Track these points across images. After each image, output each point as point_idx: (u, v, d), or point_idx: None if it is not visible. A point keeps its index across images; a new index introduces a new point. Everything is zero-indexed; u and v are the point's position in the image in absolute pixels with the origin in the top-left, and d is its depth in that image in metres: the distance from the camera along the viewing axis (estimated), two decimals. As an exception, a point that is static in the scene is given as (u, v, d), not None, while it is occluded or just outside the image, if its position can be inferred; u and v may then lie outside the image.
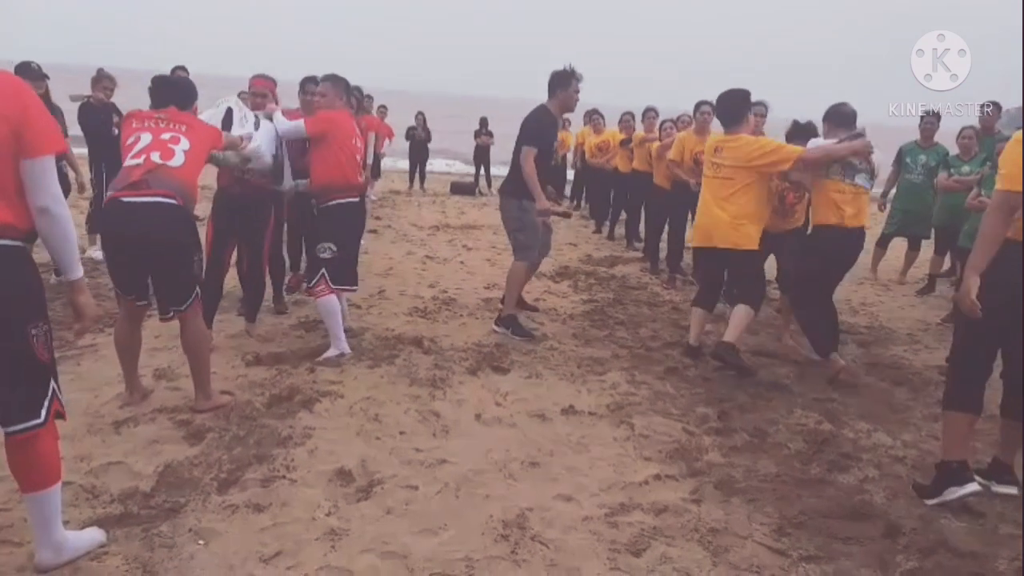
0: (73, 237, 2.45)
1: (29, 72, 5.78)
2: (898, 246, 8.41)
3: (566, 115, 6.58)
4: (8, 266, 2.29)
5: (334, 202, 4.78)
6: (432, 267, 7.80)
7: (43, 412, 2.41)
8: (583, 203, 13.29)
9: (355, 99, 5.54)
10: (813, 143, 4.84)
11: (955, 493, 3.20)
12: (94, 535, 2.68)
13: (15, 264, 2.32)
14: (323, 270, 4.74)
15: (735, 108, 4.94)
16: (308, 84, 5.59)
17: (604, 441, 3.76)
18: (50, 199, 2.34)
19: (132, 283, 3.76)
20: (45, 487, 2.47)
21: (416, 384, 4.39)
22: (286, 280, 6.16)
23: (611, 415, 4.10)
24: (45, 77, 6.06)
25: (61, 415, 2.50)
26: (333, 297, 4.75)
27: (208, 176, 4.78)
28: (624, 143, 9.89)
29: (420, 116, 15.44)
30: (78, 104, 6.76)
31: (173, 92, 4.00)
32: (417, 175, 15.61)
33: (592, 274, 7.79)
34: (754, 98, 5.21)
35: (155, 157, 3.64)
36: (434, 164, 18.63)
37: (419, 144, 15.36)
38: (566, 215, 6.72)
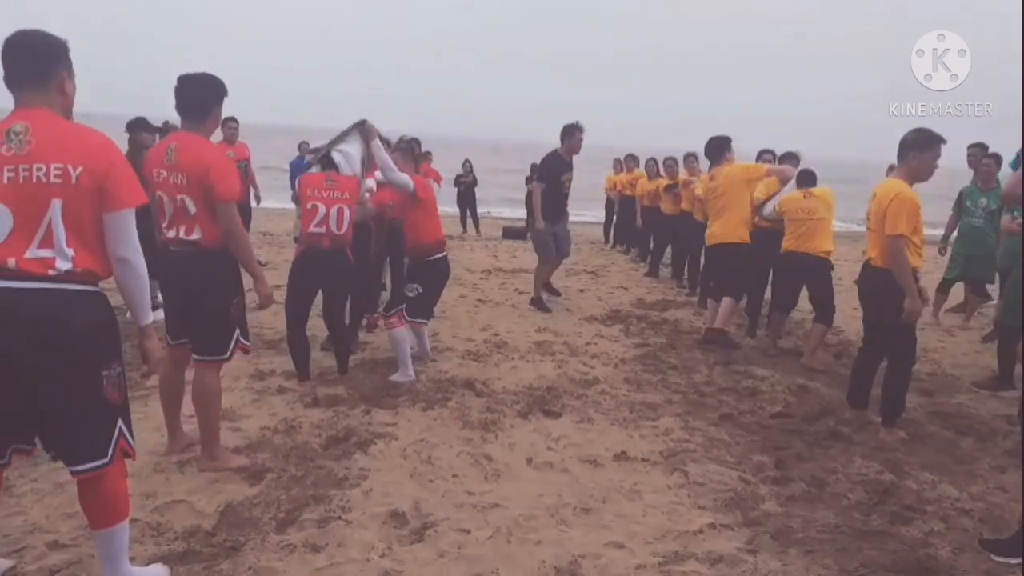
0: (147, 286, 2.58)
1: (146, 126, 6.23)
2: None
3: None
4: (87, 310, 2.42)
5: (430, 258, 5.49)
6: (484, 310, 7.88)
7: (109, 452, 2.49)
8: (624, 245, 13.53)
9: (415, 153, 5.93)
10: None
11: None
12: (159, 572, 2.77)
13: (93, 308, 2.45)
14: (403, 305, 5.44)
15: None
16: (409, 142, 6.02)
17: (657, 488, 3.73)
18: (129, 250, 2.48)
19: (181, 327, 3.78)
20: (113, 524, 2.56)
21: (468, 427, 4.43)
22: (365, 320, 6.48)
23: (664, 462, 4.06)
24: (157, 131, 6.44)
25: (129, 454, 2.58)
26: (404, 331, 5.38)
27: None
28: (669, 188, 10.05)
29: (467, 163, 15.86)
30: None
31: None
32: (470, 220, 15.88)
33: (644, 318, 7.76)
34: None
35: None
36: (484, 209, 18.88)
37: (468, 190, 15.68)
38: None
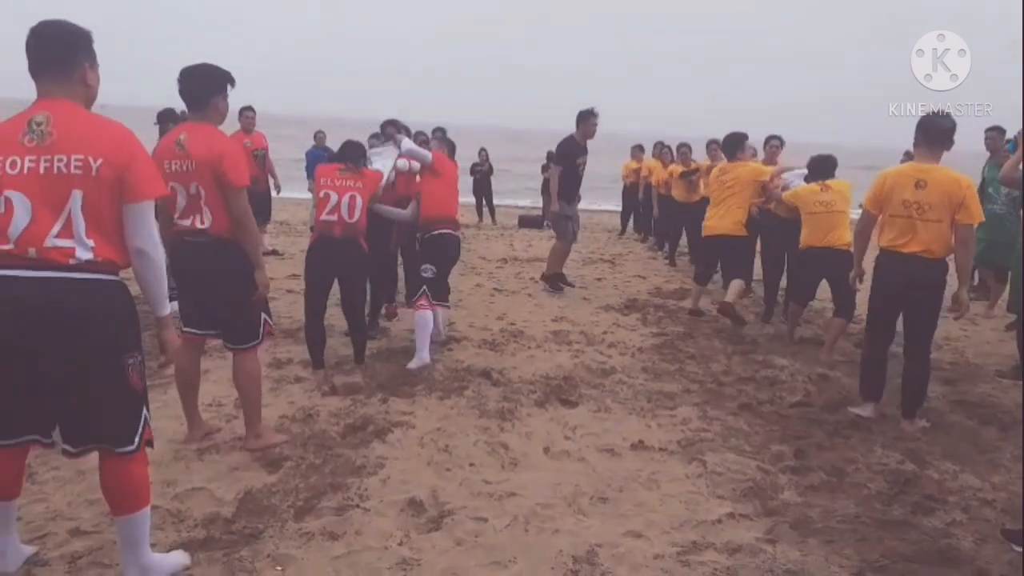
0: (164, 276, 2.60)
1: (174, 117, 6.26)
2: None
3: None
4: (109, 299, 2.45)
5: (437, 232, 5.55)
6: (500, 300, 7.88)
7: (136, 439, 2.53)
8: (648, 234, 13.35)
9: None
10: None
11: None
12: (179, 558, 2.79)
13: (115, 298, 2.48)
14: (424, 287, 5.49)
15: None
16: (388, 128, 6.39)
17: (675, 477, 3.72)
18: (147, 241, 2.50)
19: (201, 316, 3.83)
20: (135, 511, 2.59)
21: (485, 416, 4.44)
22: (385, 308, 6.57)
23: (682, 451, 4.05)
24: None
25: (150, 443, 2.62)
26: (429, 313, 5.46)
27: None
28: (685, 175, 9.92)
29: (483, 152, 15.87)
30: None
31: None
32: (487, 209, 15.87)
33: (662, 307, 7.73)
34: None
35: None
36: (500, 198, 18.86)
37: (483, 178, 15.67)
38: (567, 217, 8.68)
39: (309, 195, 10.19)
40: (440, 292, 5.75)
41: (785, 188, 6.66)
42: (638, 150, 13.63)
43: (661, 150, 11.78)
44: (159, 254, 2.55)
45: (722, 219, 6.75)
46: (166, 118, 6.50)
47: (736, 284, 6.74)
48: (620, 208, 15.39)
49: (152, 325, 2.75)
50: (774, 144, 7.75)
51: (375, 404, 4.55)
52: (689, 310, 7.32)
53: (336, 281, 5.07)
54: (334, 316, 5.78)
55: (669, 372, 5.49)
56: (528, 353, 5.86)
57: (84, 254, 2.37)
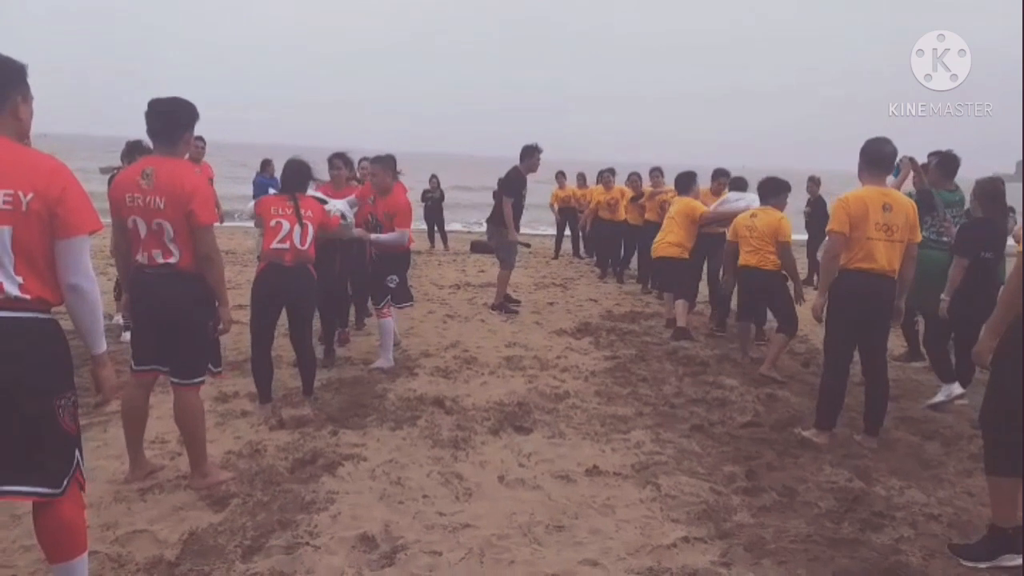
0: (99, 313, 2.51)
1: (143, 149, 6.06)
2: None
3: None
4: (38, 339, 2.37)
5: (398, 252, 6.12)
6: (453, 326, 7.85)
7: (64, 482, 2.43)
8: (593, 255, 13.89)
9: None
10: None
11: (1013, 560, 3.10)
12: (119, 606, 2.68)
13: (45, 337, 2.39)
14: (389, 296, 6.05)
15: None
16: (336, 160, 6.53)
17: (630, 502, 3.72)
18: (82, 277, 2.42)
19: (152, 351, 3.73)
20: (71, 557, 2.48)
21: (439, 446, 4.39)
22: (338, 334, 6.61)
23: (636, 475, 4.05)
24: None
25: (82, 486, 2.52)
26: (392, 319, 6.12)
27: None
28: (634, 199, 10.49)
29: (434, 179, 15.87)
30: (108, 176, 6.95)
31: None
32: (438, 235, 15.86)
33: (613, 330, 7.78)
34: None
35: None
36: (452, 224, 18.89)
37: (435, 205, 15.68)
38: (526, 245, 11.23)
39: (253, 224, 10.03)
40: (404, 296, 6.25)
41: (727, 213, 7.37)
42: (561, 176, 14.82)
43: (604, 176, 12.36)
44: (94, 290, 2.46)
45: (665, 243, 7.77)
46: (135, 150, 6.25)
47: (680, 304, 7.56)
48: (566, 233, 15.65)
49: (89, 361, 2.66)
50: (721, 181, 8.64)
51: (325, 437, 4.46)
52: (667, 321, 7.98)
53: (285, 310, 4.99)
54: (282, 347, 5.69)
55: (622, 396, 5.52)
56: (481, 380, 5.83)
57: (12, 290, 2.29)
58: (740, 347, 6.83)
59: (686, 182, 8.09)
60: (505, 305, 8.73)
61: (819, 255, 5.74)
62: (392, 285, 6.07)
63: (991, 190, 5.29)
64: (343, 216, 5.76)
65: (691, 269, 7.94)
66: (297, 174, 5.15)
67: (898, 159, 5.21)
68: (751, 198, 7.28)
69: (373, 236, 6.02)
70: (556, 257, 14.75)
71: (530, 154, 8.39)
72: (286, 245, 4.86)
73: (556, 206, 14.93)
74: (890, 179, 5.04)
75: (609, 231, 11.83)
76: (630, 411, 5.15)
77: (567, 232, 15.08)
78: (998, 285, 4.40)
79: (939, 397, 5.44)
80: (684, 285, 7.70)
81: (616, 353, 6.81)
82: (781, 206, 6.55)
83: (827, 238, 4.67)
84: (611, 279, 11.74)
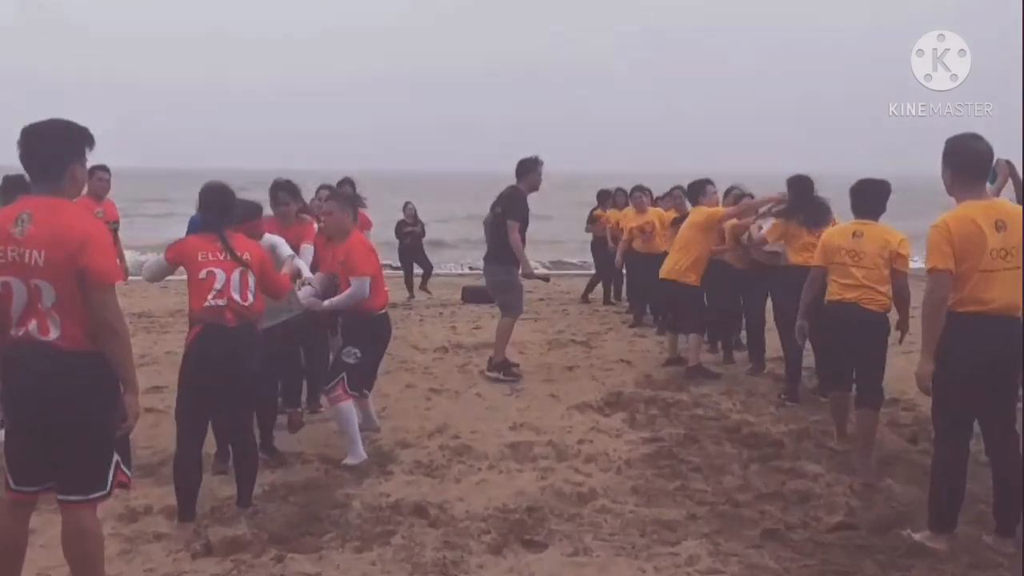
0: None
1: (25, 186, 6.04)
2: None
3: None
4: None
5: (362, 315, 6.13)
6: (439, 403, 7.81)
7: None
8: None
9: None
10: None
11: None
12: None
13: None
14: (343, 374, 5.99)
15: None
16: (279, 192, 6.67)
17: (682, 643, 3.62)
18: None
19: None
20: None
21: (420, 571, 4.34)
22: (287, 418, 6.70)
23: (689, 604, 3.97)
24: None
25: None
26: (350, 404, 6.04)
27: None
28: (677, 222, 10.29)
29: (410, 207, 15.81)
30: None
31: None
32: (417, 279, 15.87)
33: (654, 401, 7.73)
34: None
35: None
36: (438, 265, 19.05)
37: (414, 242, 15.63)
38: (544, 279, 11.28)
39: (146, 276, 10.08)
40: (361, 379, 6.22)
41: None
42: (612, 196, 14.31)
43: (634, 195, 12.51)
44: None
45: (671, 262, 8.87)
46: (14, 187, 6.18)
47: (693, 339, 8.61)
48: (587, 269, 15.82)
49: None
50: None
51: (267, 565, 4.41)
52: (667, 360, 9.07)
53: (222, 385, 4.98)
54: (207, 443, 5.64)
55: (668, 492, 5.45)
56: (478, 477, 5.78)
57: None
58: (835, 422, 6.55)
59: (698, 188, 9.01)
60: (508, 368, 8.83)
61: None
62: (350, 360, 6.05)
63: None
64: (299, 274, 5.93)
65: (699, 295, 8.87)
66: (220, 203, 5.14)
67: (993, 162, 5.28)
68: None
69: (326, 303, 6.10)
70: (586, 300, 14.95)
71: (531, 169, 8.67)
72: (223, 301, 4.87)
73: (602, 234, 14.43)
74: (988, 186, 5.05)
75: (643, 267, 11.71)
76: (679, 514, 5.08)
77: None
78: None
79: None
80: (690, 315, 8.65)
81: (658, 433, 6.75)
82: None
83: (928, 277, 4.60)
84: (648, 330, 11.74)
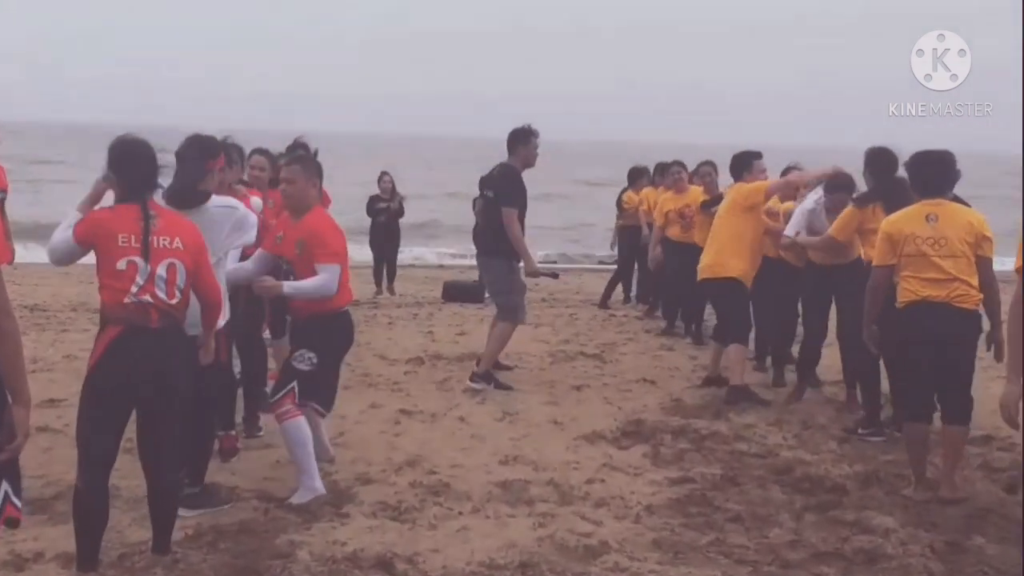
0: None
1: None
2: None
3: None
4: None
5: (327, 313, 6.20)
6: (411, 429, 7.83)
7: None
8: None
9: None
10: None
11: None
12: None
13: None
14: (294, 382, 6.05)
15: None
16: (254, 155, 7.23)
17: None
18: None
19: None
20: None
21: (383, 642, 4.33)
22: (218, 442, 6.66)
23: None
24: None
25: None
26: (302, 421, 6.03)
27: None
28: (708, 206, 10.41)
29: (387, 179, 15.79)
30: None
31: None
32: (385, 271, 15.87)
33: (683, 432, 7.75)
34: None
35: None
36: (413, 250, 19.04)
37: (390, 221, 15.62)
38: (553, 275, 10.81)
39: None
40: (317, 391, 6.26)
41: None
42: (642, 175, 14.86)
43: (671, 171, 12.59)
44: None
45: (710, 257, 9.14)
46: None
47: (735, 352, 8.84)
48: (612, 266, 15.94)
49: None
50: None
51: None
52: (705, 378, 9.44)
53: (141, 402, 4.97)
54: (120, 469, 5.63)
55: (699, 547, 5.44)
56: (458, 523, 5.78)
57: None
58: (912, 465, 6.53)
59: (742, 163, 9.25)
60: (496, 379, 9.14)
61: None
62: (303, 366, 6.09)
63: None
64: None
65: (744, 295, 9.01)
66: (139, 165, 5.07)
67: None
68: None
69: (287, 286, 6.09)
70: (630, 300, 15.41)
71: (523, 141, 9.15)
72: (146, 297, 4.82)
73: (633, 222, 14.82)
74: None
75: (681, 259, 11.61)
76: (713, 575, 5.08)
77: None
78: None
79: None
80: (736, 321, 8.93)
81: (688, 473, 6.76)
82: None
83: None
84: (679, 342, 11.88)
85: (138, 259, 4.85)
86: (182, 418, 5.15)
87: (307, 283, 6.03)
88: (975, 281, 6.09)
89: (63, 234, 5.15)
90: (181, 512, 5.67)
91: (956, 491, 5.98)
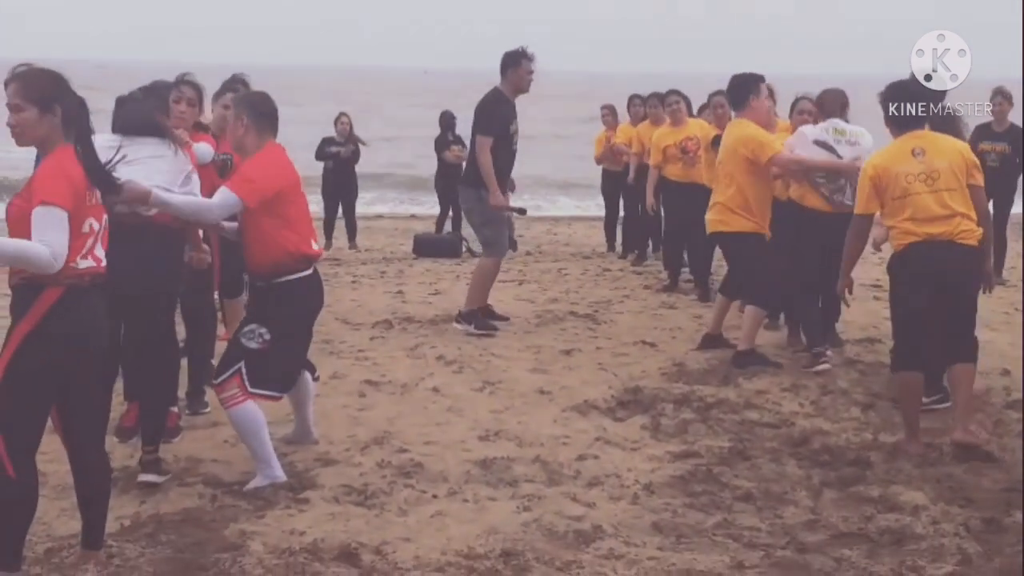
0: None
1: None
2: None
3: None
4: None
5: (284, 279, 6.12)
6: (379, 402, 7.85)
7: None
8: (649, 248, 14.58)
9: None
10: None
11: None
12: None
13: None
14: (241, 364, 6.00)
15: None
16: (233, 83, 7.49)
17: None
18: None
19: None
20: None
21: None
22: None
23: None
24: None
25: None
26: (251, 405, 6.00)
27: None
28: (719, 141, 10.38)
29: (344, 119, 15.82)
30: None
31: None
32: (343, 221, 15.92)
33: (687, 400, 7.78)
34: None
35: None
36: (372, 197, 18.96)
37: (343, 168, 15.62)
38: (520, 211, 11.09)
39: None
40: (267, 374, 6.11)
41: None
42: (610, 113, 15.64)
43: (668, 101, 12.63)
44: None
45: (716, 209, 9.18)
46: None
47: (751, 314, 8.94)
48: (600, 211, 16.13)
49: None
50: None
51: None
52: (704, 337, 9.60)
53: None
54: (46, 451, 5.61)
55: (704, 530, 5.47)
56: (432, 508, 5.79)
57: None
58: (904, 416, 6.76)
59: (743, 89, 9.27)
60: (480, 318, 9.45)
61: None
62: (253, 344, 6.03)
63: None
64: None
65: (762, 250, 9.00)
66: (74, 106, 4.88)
67: None
68: (866, 143, 8.93)
69: (158, 194, 5.77)
70: (614, 249, 15.85)
71: (514, 63, 9.59)
72: (91, 261, 4.68)
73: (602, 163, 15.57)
74: None
75: (683, 202, 11.83)
76: (721, 561, 5.09)
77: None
78: None
79: None
80: (752, 279, 9.02)
81: (692, 446, 6.80)
82: None
83: None
84: (683, 299, 11.90)
85: (94, 221, 4.73)
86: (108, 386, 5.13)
87: (186, 198, 5.95)
88: (974, 215, 6.40)
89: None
90: (153, 478, 5.94)
91: (969, 435, 6.19)
